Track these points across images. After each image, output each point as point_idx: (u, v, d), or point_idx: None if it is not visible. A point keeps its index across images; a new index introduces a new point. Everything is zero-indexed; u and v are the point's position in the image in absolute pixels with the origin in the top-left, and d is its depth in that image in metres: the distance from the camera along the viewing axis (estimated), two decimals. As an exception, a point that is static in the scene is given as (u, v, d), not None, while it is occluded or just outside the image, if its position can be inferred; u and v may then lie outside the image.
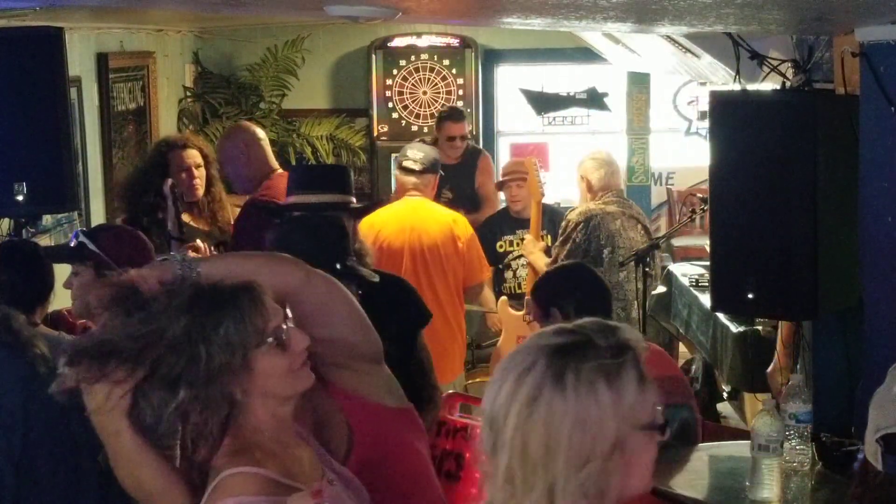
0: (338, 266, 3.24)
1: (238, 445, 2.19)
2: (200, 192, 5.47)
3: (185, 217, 5.47)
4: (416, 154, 5.84)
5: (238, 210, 5.46)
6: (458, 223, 5.77)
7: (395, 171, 6.01)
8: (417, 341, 3.86)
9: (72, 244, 3.61)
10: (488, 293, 6.37)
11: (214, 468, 2.17)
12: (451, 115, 7.65)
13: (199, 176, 5.46)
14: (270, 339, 2.20)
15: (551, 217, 6.79)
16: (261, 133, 5.62)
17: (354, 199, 3.93)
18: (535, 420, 1.69)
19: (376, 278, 3.42)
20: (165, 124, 7.81)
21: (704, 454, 4.15)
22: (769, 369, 5.59)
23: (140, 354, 2.12)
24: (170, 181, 5.18)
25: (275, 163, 5.52)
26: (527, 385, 1.71)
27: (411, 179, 5.73)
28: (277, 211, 3.93)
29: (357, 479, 2.41)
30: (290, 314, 2.26)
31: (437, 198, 6.20)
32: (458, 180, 7.34)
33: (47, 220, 5.30)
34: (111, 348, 2.12)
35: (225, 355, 2.15)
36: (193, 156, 5.47)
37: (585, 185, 6.27)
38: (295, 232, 3.38)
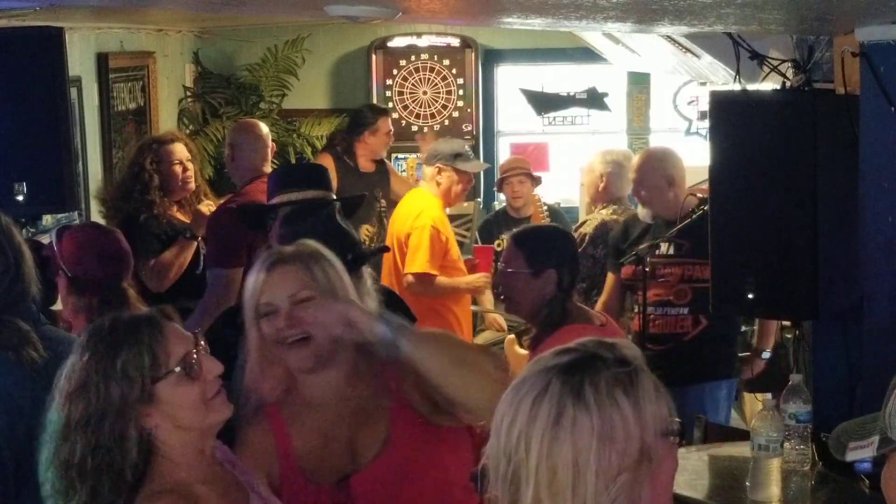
0: (367, 249, 3.31)
1: (156, 488, 2.14)
2: (192, 186, 5.59)
3: (175, 212, 5.52)
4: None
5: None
6: (420, 215, 5.87)
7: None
8: None
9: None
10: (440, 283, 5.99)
11: None
12: (385, 109, 7.50)
13: (191, 170, 5.55)
14: (178, 369, 2.16)
15: (554, 218, 6.76)
16: (253, 132, 5.55)
17: (334, 195, 3.90)
18: (562, 441, 1.62)
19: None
20: (165, 124, 7.80)
21: (704, 454, 4.15)
22: None
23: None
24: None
25: (263, 166, 5.43)
26: (545, 408, 1.64)
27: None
28: (265, 211, 3.85)
29: (278, 501, 2.42)
30: (202, 342, 2.21)
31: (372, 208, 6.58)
32: (382, 185, 7.15)
33: (47, 220, 5.30)
34: None
35: (123, 388, 2.11)
36: (183, 150, 5.58)
37: (599, 190, 6.12)
38: (309, 222, 3.33)
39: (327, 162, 6.88)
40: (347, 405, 2.66)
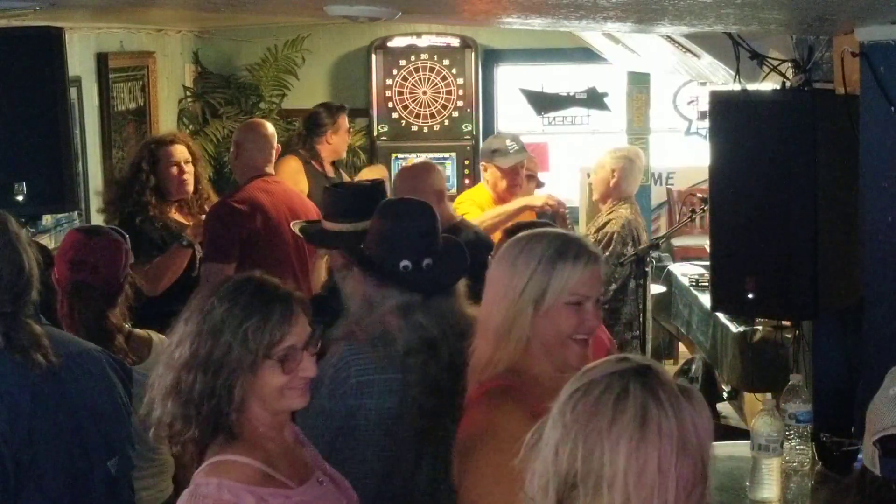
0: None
1: (235, 435, 2.33)
2: (190, 188, 5.56)
3: (174, 213, 5.52)
4: None
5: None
6: (458, 208, 6.08)
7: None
8: None
9: None
10: None
11: (210, 451, 2.33)
12: (340, 106, 7.16)
13: (189, 172, 5.54)
14: (276, 358, 2.33)
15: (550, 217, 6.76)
16: (259, 132, 5.61)
17: None
18: (650, 442, 1.58)
19: None
20: (165, 124, 7.80)
21: (704, 454, 4.15)
22: None
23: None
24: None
25: (265, 166, 5.52)
26: (630, 411, 1.60)
27: None
28: (319, 238, 3.71)
29: (347, 482, 2.53)
30: (315, 344, 2.39)
31: None
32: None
33: (47, 220, 5.30)
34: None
35: (241, 352, 2.32)
36: (182, 152, 5.55)
37: (610, 185, 6.12)
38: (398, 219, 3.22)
39: (295, 165, 6.76)
40: None
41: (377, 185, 3.77)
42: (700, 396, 1.68)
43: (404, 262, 3.08)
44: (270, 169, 5.54)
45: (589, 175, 6.69)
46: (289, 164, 6.74)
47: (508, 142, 6.30)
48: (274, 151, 5.58)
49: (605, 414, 1.60)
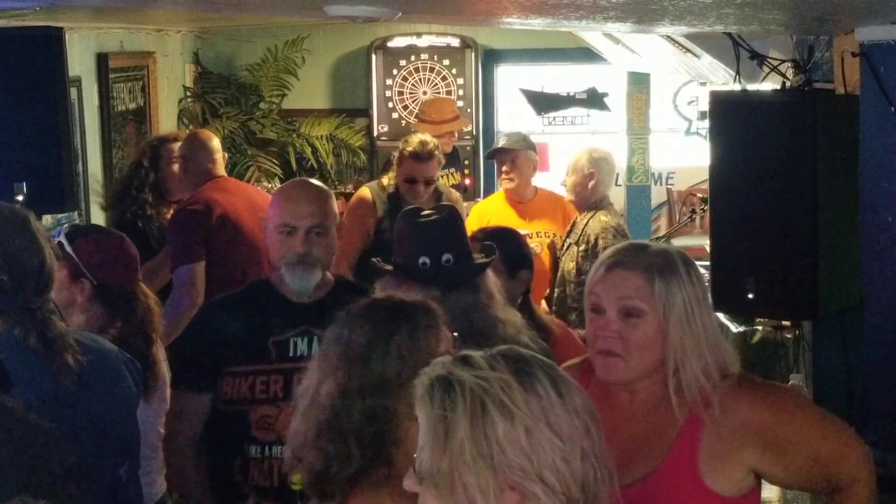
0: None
1: (383, 475, 2.15)
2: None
3: (169, 212, 5.55)
4: None
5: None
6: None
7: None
8: None
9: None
10: None
11: (359, 493, 2.16)
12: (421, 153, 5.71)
13: None
14: None
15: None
16: (202, 140, 5.66)
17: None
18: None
19: None
20: (165, 124, 7.80)
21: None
22: None
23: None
24: None
25: (215, 170, 5.54)
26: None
27: None
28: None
29: None
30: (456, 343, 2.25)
31: None
32: None
33: (47, 220, 5.31)
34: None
35: (395, 367, 2.17)
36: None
37: (588, 188, 6.01)
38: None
39: (361, 193, 5.97)
40: (633, 421, 2.54)
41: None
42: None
43: (423, 259, 3.09)
44: (221, 171, 5.57)
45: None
46: (358, 192, 6.05)
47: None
48: (221, 157, 5.61)
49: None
